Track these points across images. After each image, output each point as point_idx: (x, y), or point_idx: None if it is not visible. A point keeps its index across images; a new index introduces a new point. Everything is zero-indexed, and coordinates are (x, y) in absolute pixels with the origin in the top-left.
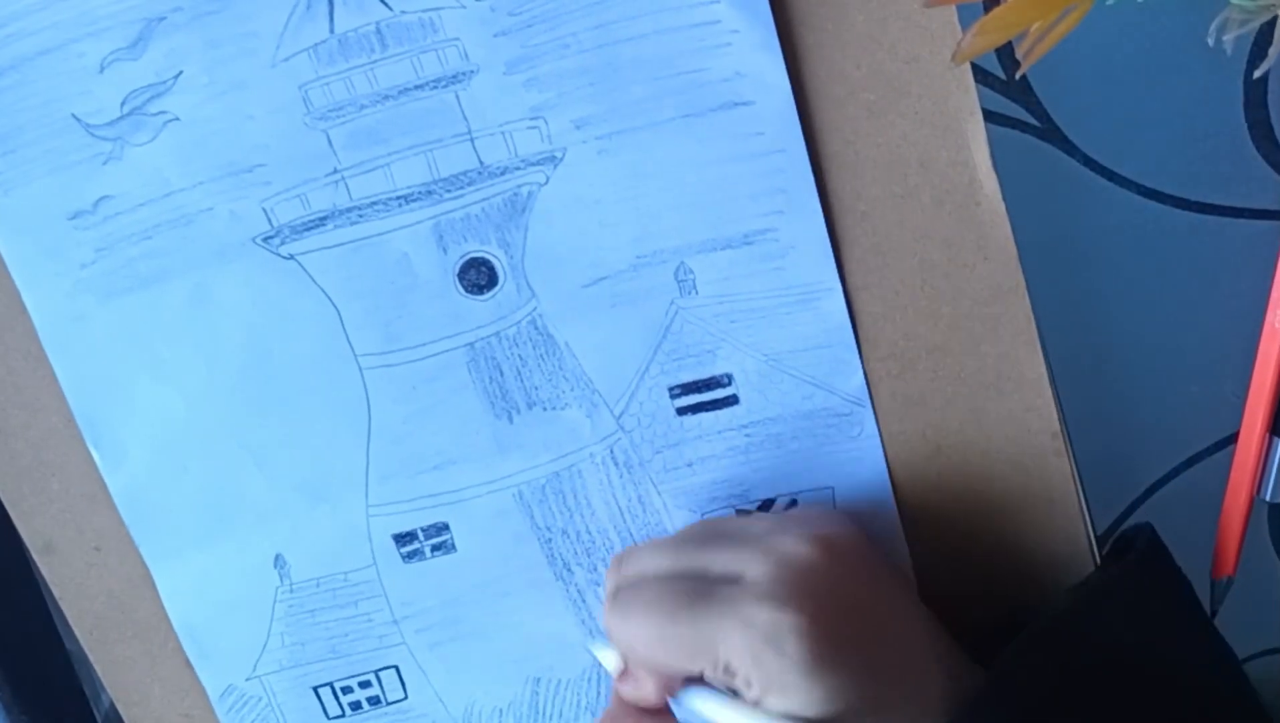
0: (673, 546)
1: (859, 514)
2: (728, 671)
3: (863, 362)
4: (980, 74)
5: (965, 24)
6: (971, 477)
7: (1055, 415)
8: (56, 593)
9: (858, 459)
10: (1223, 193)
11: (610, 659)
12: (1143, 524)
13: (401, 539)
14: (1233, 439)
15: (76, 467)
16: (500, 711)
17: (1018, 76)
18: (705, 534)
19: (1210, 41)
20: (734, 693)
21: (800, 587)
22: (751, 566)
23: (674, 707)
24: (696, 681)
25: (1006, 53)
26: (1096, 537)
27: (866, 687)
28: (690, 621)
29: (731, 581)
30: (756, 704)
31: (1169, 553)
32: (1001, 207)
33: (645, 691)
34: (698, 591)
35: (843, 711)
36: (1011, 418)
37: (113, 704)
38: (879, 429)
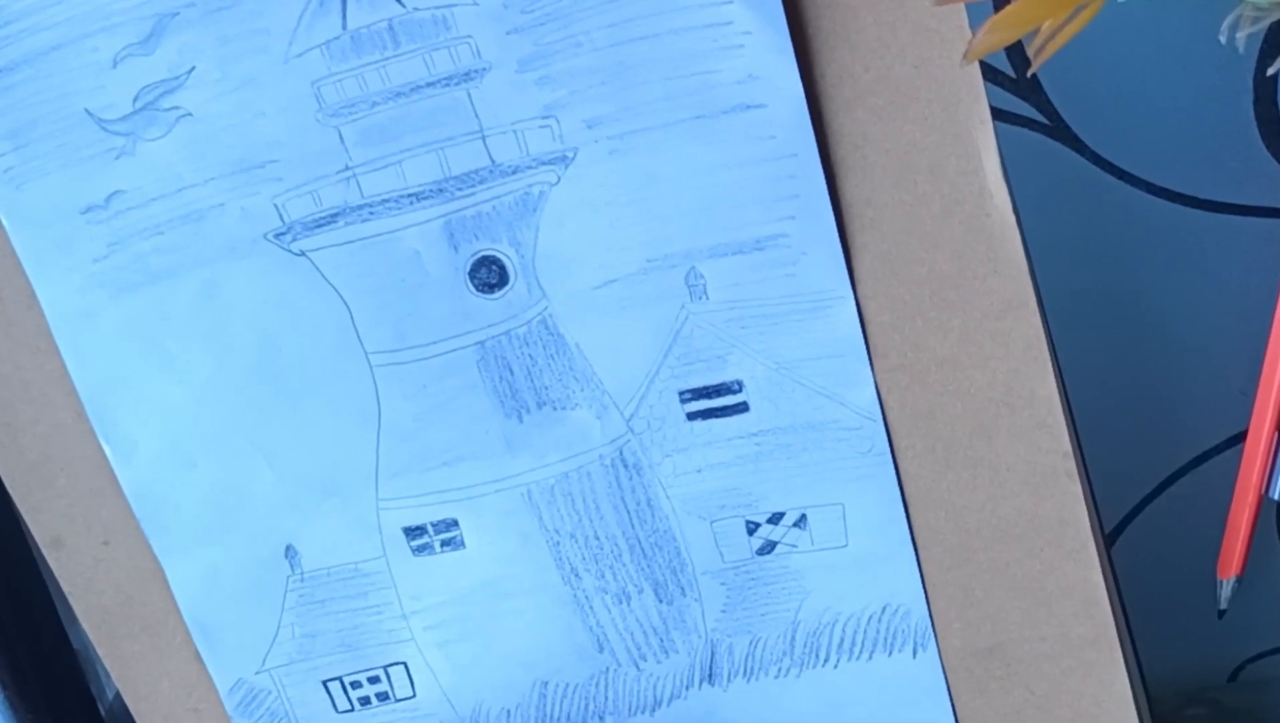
0: None
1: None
2: None
3: (873, 374)
4: (990, 72)
5: (975, 24)
6: (981, 494)
7: (1066, 434)
8: (65, 588)
9: (869, 476)
10: (1232, 191)
11: None
12: None
13: (411, 532)
14: (1241, 437)
15: (84, 461)
16: (508, 712)
17: (1028, 75)
18: None
19: (1222, 39)
20: None
21: None
22: None
23: None
24: None
25: (1016, 51)
26: (1105, 533)
27: None
28: None
29: None
30: None
31: None
32: (1012, 219)
33: None
34: None
35: None
36: (1021, 435)
37: (116, 700)
38: (890, 444)
